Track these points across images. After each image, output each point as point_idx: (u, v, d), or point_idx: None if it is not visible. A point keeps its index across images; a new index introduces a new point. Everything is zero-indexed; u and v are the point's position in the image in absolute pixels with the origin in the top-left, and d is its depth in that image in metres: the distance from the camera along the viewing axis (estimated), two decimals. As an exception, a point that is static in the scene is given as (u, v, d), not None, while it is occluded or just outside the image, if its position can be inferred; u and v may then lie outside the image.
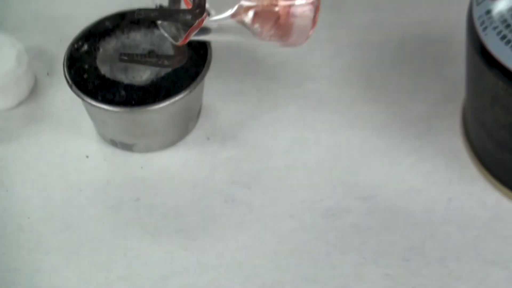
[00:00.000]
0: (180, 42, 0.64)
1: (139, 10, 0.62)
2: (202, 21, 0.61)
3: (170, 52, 0.70)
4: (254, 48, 0.81)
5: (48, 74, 0.80)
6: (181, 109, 0.70)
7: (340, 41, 0.81)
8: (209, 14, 0.61)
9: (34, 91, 0.79)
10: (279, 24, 0.61)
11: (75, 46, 0.73)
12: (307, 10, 0.59)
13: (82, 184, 0.71)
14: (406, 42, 0.81)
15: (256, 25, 0.61)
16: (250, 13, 0.60)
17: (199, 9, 0.59)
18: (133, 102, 0.68)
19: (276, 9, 0.60)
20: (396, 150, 0.73)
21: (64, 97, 0.77)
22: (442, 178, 0.70)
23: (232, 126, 0.75)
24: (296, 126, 0.75)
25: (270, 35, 0.63)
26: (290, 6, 0.59)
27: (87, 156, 0.73)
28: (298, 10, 0.59)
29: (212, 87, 0.77)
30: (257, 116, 0.76)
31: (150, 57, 0.67)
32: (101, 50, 0.72)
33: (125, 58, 0.68)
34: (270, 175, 0.72)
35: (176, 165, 0.73)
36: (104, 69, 0.71)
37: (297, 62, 0.80)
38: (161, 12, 0.62)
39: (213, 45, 0.71)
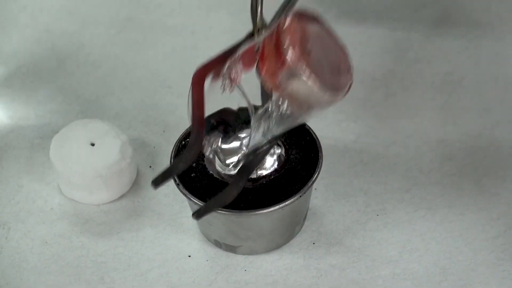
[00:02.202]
0: None
1: (154, 181, 0.63)
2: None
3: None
4: (362, 150, 0.79)
5: (150, 167, 0.79)
6: (289, 213, 0.68)
7: (451, 145, 0.79)
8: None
9: (136, 184, 0.77)
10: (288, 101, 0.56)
11: (183, 142, 0.71)
12: (291, 72, 0.52)
13: (183, 285, 0.69)
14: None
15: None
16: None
17: (196, 145, 0.58)
18: (241, 205, 0.66)
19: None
20: (509, 265, 0.69)
21: (166, 191, 0.76)
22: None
23: (338, 230, 0.73)
24: (405, 234, 0.72)
25: (294, 111, 0.57)
26: (277, 79, 0.51)
27: (189, 256, 0.71)
28: (283, 81, 0.53)
29: (318, 189, 0.75)
30: (364, 222, 0.73)
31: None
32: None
33: (196, 214, 0.65)
34: (376, 284, 0.69)
35: (280, 269, 0.70)
36: (212, 168, 0.69)
37: (406, 165, 0.78)
38: (172, 166, 0.63)
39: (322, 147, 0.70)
